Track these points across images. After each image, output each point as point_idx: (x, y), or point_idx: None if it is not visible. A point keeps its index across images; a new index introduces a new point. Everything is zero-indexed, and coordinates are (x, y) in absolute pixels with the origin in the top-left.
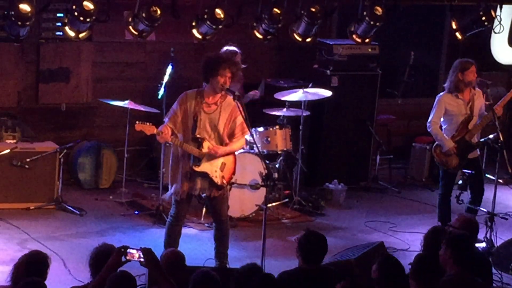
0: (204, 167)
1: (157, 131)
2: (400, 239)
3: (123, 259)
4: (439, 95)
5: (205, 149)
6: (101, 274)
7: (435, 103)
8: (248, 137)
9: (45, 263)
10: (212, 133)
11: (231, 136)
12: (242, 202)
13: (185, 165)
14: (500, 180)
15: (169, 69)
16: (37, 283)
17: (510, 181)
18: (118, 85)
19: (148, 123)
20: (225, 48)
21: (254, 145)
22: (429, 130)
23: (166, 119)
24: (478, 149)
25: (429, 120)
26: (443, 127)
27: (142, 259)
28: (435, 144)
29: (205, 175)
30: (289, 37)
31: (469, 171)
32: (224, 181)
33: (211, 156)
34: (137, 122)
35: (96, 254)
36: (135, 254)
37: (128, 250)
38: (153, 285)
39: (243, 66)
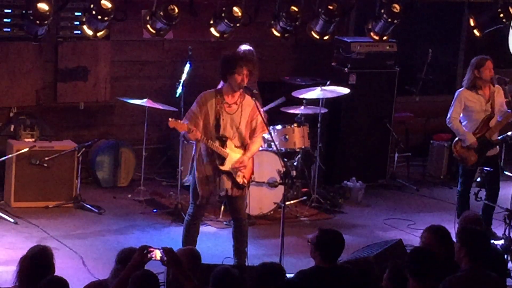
0: (228, 166)
1: (189, 128)
2: (418, 236)
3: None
4: (458, 90)
5: (228, 148)
6: (124, 273)
7: (454, 98)
8: (266, 135)
9: (49, 255)
10: (234, 133)
11: (252, 135)
12: (261, 200)
13: (208, 165)
14: None
15: (187, 68)
16: (59, 281)
17: None
18: (136, 83)
19: (180, 121)
20: (242, 48)
21: (272, 143)
22: (449, 125)
23: (186, 121)
24: (497, 146)
25: (448, 116)
26: (462, 123)
27: (164, 259)
28: (455, 139)
29: (229, 174)
30: (307, 35)
31: (488, 168)
32: (245, 180)
33: (233, 156)
34: (170, 119)
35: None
36: (157, 253)
37: (150, 249)
38: (173, 284)
39: None
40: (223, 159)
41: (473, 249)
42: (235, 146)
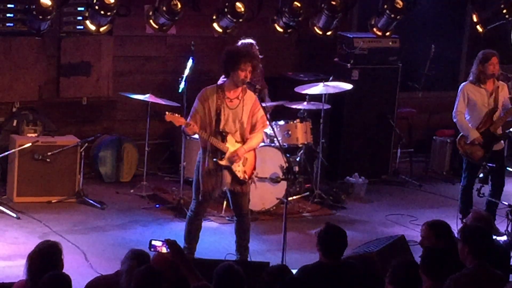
0: (227, 161)
1: (186, 123)
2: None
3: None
4: (462, 84)
5: (229, 143)
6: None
7: (458, 93)
8: (268, 130)
9: (58, 251)
10: (236, 128)
11: (252, 129)
12: (263, 196)
13: (211, 160)
14: None
15: (189, 63)
16: (62, 277)
17: None
18: (138, 79)
19: (177, 115)
20: (240, 41)
21: (275, 139)
22: (454, 120)
23: (189, 118)
24: (503, 141)
25: (454, 110)
26: (466, 118)
27: (167, 251)
28: (459, 135)
29: (229, 169)
30: (310, 31)
31: (491, 164)
32: (246, 176)
33: (234, 151)
34: (167, 112)
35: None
36: (160, 246)
37: (152, 243)
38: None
39: (260, 56)
40: (222, 154)
41: (475, 246)
42: (236, 141)
